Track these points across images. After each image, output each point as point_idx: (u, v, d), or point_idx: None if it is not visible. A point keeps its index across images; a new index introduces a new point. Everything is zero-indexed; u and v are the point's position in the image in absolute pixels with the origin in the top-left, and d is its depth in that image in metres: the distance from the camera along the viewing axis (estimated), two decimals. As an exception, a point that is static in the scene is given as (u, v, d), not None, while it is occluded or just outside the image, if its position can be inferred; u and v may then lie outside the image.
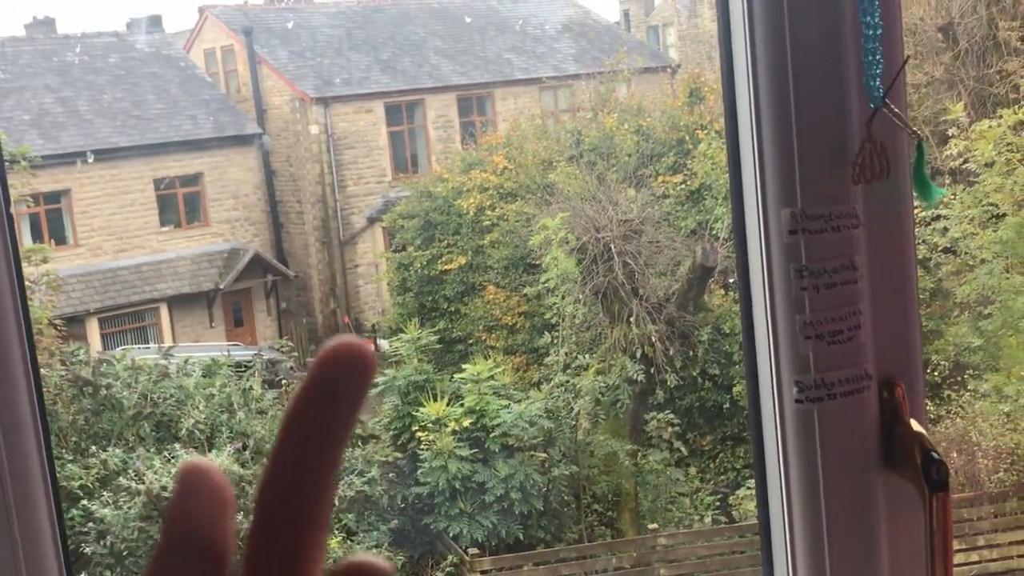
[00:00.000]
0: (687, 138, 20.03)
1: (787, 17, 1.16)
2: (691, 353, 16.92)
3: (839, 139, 1.21)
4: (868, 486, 1.25)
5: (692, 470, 16.56)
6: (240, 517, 12.85)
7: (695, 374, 17.16)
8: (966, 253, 13.32)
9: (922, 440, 1.20)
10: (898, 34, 1.20)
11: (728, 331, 17.20)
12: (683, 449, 15.65)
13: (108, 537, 12.46)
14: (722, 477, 17.42)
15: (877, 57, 1.14)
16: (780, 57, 1.17)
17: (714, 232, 17.12)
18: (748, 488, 15.49)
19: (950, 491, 1.15)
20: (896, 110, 1.16)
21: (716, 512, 15.69)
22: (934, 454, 1.19)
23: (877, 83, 1.15)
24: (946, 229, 13.03)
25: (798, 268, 1.21)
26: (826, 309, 1.21)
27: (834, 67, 1.19)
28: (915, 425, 1.23)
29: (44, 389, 14.02)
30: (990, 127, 12.85)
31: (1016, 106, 13.02)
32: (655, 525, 14.88)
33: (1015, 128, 12.86)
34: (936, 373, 13.26)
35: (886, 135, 1.19)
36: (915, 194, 1.25)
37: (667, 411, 15.76)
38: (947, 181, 13.15)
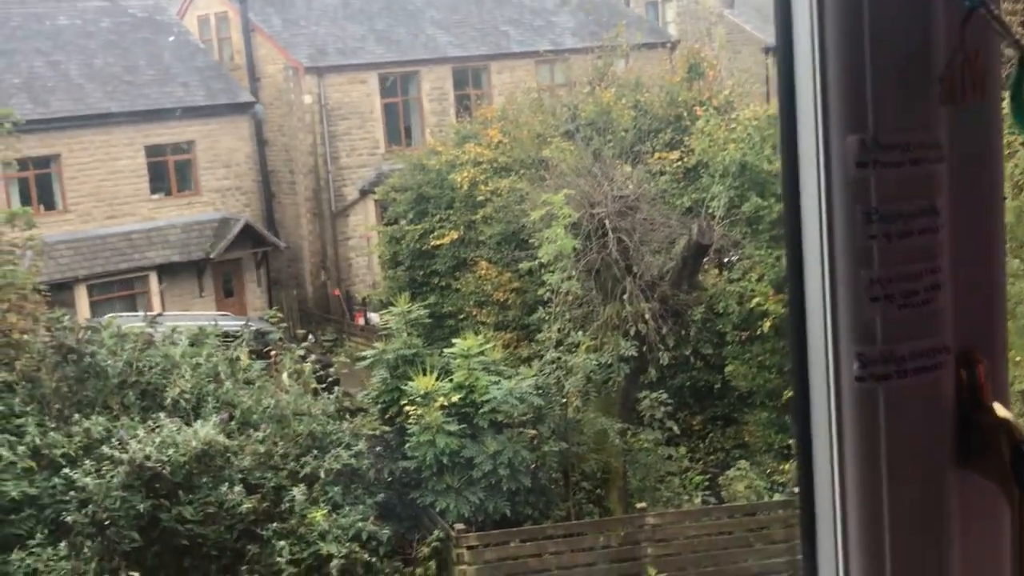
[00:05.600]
0: (685, 114, 19.79)
1: None
2: (684, 332, 16.75)
3: (923, 48, 0.97)
4: (941, 483, 1.02)
5: (682, 450, 16.45)
6: (225, 488, 12.65)
7: (687, 353, 17.02)
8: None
9: (1009, 429, 0.98)
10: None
11: (721, 311, 17.05)
12: (674, 428, 15.48)
13: (90, 506, 12.23)
14: (712, 457, 17.33)
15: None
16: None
17: (710, 210, 16.90)
18: (738, 469, 15.39)
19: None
20: (995, 12, 0.93)
21: (706, 493, 15.60)
22: (1025, 446, 0.97)
23: (974, -24, 0.92)
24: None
25: (867, 211, 0.96)
26: (899, 264, 0.97)
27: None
28: (1000, 410, 1.01)
29: (27, 355, 13.73)
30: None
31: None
32: (643, 504, 14.74)
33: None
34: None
35: (981, 44, 0.96)
36: (1011, 120, 1.02)
37: (659, 390, 15.58)
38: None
